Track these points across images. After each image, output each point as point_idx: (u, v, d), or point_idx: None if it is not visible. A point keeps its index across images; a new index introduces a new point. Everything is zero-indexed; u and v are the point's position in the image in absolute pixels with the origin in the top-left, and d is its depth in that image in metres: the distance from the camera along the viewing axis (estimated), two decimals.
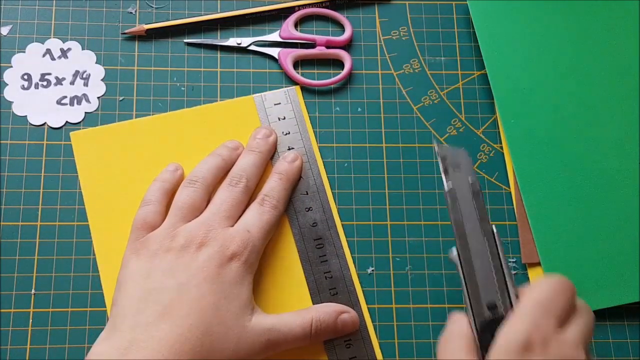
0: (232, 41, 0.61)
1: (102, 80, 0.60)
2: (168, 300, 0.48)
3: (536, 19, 0.63)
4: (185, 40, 0.62)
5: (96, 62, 0.60)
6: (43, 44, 0.60)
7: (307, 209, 0.57)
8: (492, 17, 0.63)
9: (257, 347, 0.49)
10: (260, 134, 0.57)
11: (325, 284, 0.55)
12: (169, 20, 0.62)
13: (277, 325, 0.50)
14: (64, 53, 0.60)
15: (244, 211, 0.54)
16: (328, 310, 0.52)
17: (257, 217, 0.53)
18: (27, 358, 0.53)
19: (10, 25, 0.60)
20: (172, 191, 0.54)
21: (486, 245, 0.47)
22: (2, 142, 0.58)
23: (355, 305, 0.55)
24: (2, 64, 0.59)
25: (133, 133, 0.58)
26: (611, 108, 0.61)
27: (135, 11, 0.62)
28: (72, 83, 0.59)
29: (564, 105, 0.61)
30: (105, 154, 0.57)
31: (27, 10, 0.61)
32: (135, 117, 0.59)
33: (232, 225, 0.52)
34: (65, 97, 0.59)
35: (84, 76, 0.59)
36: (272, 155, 0.57)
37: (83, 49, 0.60)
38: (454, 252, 0.47)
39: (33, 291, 0.55)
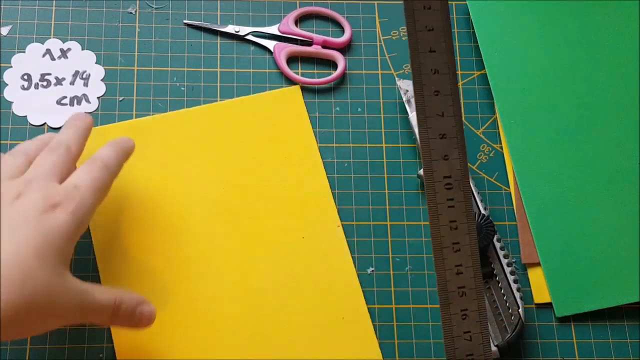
0: (230, 28, 0.62)
1: (102, 80, 0.60)
2: None
3: (536, 19, 0.63)
4: (185, 21, 0.62)
5: (96, 62, 0.60)
6: (43, 44, 0.60)
7: None
8: (492, 17, 0.63)
9: (71, 306, 0.45)
10: (76, 116, 0.53)
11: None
12: (169, 20, 0.62)
13: (91, 291, 0.47)
14: (63, 53, 0.60)
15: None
16: (132, 296, 0.50)
17: (86, 174, 0.49)
18: (27, 358, 0.53)
19: (10, 26, 0.60)
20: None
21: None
22: (2, 142, 0.58)
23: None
24: (2, 64, 0.59)
25: (135, 132, 0.58)
26: (611, 108, 0.61)
27: (135, 11, 0.62)
28: (72, 83, 0.59)
29: (564, 105, 0.61)
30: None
31: (27, 10, 0.61)
32: (135, 118, 0.59)
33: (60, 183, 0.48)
34: (65, 97, 0.59)
35: (84, 76, 0.59)
36: (88, 133, 0.53)
37: (83, 49, 0.60)
38: (420, 172, 0.52)
39: None
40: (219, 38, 0.62)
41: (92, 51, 0.60)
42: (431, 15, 0.43)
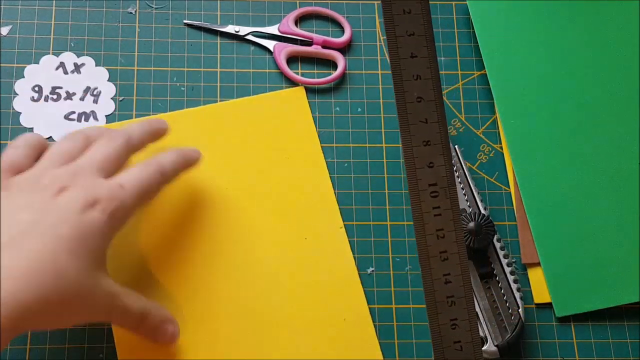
0: (230, 28, 0.62)
1: (111, 98, 0.59)
2: (17, 232, 0.43)
3: (536, 19, 0.63)
4: (185, 21, 0.62)
5: (108, 80, 0.60)
6: (58, 57, 0.60)
7: None
8: (492, 17, 0.63)
9: (98, 306, 0.46)
10: (155, 122, 0.54)
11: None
12: (169, 20, 0.62)
13: (123, 296, 0.47)
14: (77, 68, 0.59)
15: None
16: (160, 311, 0.50)
17: (136, 174, 0.48)
18: (27, 358, 0.53)
19: (10, 26, 0.60)
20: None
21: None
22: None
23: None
24: (14, 75, 0.59)
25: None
26: (611, 108, 0.61)
27: (135, 11, 0.62)
28: (82, 99, 0.59)
29: (564, 105, 0.61)
30: None
31: (27, 10, 0.61)
32: (135, 117, 0.59)
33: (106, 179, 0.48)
34: (74, 112, 0.58)
35: (95, 93, 0.59)
36: (158, 136, 0.54)
37: (97, 65, 0.60)
38: None
39: None
40: (219, 38, 0.62)
41: (106, 67, 0.60)
42: (412, 20, 0.42)
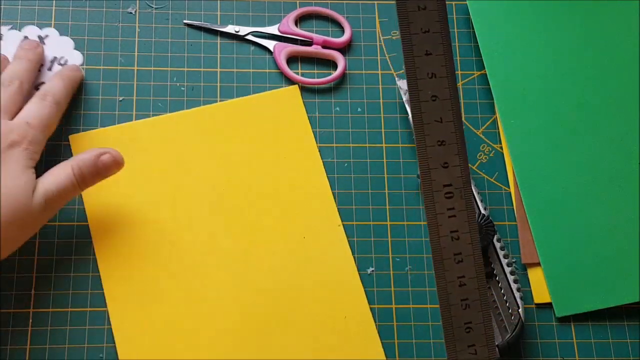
0: (230, 28, 0.62)
1: (80, 66, 0.60)
2: None
3: (536, 19, 0.63)
4: (185, 21, 0.62)
5: (74, 48, 0.60)
6: (20, 30, 0.60)
7: None
8: (492, 17, 0.63)
9: (38, 211, 0.51)
10: (26, 44, 0.58)
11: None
12: (169, 20, 0.62)
13: (47, 186, 0.52)
14: (41, 40, 0.60)
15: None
16: (86, 155, 0.54)
17: (37, 110, 0.54)
18: (27, 358, 0.53)
19: (10, 25, 0.60)
20: None
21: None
22: None
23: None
24: None
25: (135, 134, 0.58)
26: (611, 108, 0.61)
27: (135, 11, 0.62)
28: (49, 69, 0.59)
29: (564, 105, 0.61)
30: None
31: (27, 10, 0.61)
32: (135, 118, 0.59)
33: (11, 120, 0.53)
34: (43, 82, 0.59)
35: (62, 62, 0.59)
36: (40, 65, 0.58)
37: (61, 35, 0.60)
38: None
39: (33, 291, 0.54)
40: (219, 38, 0.62)
41: (70, 37, 0.60)
42: (427, 17, 0.41)
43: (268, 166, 0.58)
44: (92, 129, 0.58)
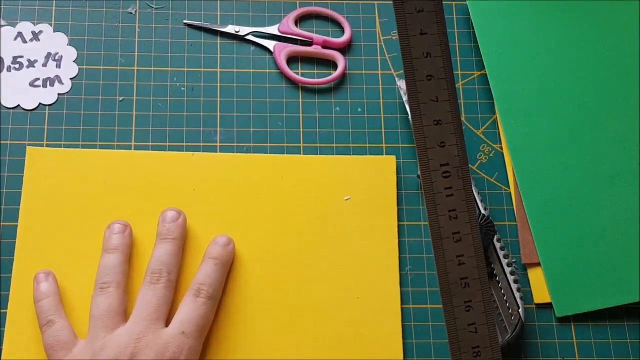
0: (230, 28, 0.62)
1: (74, 61, 0.60)
2: None
3: (536, 19, 0.63)
4: (185, 21, 0.62)
5: (68, 44, 0.60)
6: (14, 27, 0.60)
7: None
8: (492, 17, 0.63)
9: None
10: (168, 217, 0.54)
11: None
12: (169, 20, 0.62)
13: None
14: (35, 36, 0.60)
15: (174, 305, 0.52)
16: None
17: (192, 312, 0.50)
18: None
19: (5, 22, 0.60)
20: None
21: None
22: None
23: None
24: None
25: (96, 163, 0.57)
26: (611, 108, 0.61)
27: (135, 11, 0.62)
28: (44, 65, 0.59)
29: (564, 105, 0.61)
30: (58, 179, 0.56)
31: (27, 10, 0.61)
32: (135, 118, 0.59)
33: (164, 326, 0.50)
34: (38, 79, 0.59)
35: (56, 58, 0.59)
36: (185, 238, 0.55)
37: (54, 31, 0.60)
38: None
39: None
40: (219, 38, 0.62)
41: (64, 33, 0.60)
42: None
43: (341, 227, 0.57)
44: (92, 128, 0.58)
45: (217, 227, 0.56)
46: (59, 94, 0.59)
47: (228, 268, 0.54)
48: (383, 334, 0.54)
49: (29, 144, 0.57)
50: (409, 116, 0.59)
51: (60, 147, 0.58)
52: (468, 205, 0.43)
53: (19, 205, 0.55)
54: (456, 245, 0.43)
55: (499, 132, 0.61)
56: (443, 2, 0.64)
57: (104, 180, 0.56)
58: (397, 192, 0.59)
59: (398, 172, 0.59)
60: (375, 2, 0.64)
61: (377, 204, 0.57)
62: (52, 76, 0.59)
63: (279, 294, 0.55)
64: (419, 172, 0.58)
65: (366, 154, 0.59)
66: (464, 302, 0.43)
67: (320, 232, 0.56)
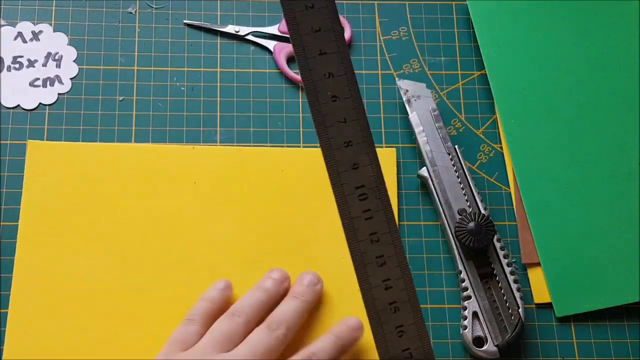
0: (230, 28, 0.62)
1: (74, 61, 0.60)
2: None
3: (536, 19, 0.63)
4: (185, 21, 0.62)
5: (68, 44, 0.60)
6: (14, 27, 0.60)
7: None
8: (492, 17, 0.63)
9: None
10: (306, 279, 0.54)
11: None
12: (169, 20, 0.62)
13: None
14: (35, 35, 0.60)
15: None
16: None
17: (327, 348, 0.50)
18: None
19: (5, 22, 0.60)
20: (218, 312, 0.52)
21: (450, 162, 0.57)
22: None
23: None
24: None
25: (97, 156, 0.57)
26: (611, 108, 0.61)
27: (135, 11, 0.62)
28: (44, 65, 0.59)
29: (564, 105, 0.61)
30: (59, 172, 0.56)
31: (27, 10, 0.61)
32: (135, 118, 0.59)
33: None
34: (38, 79, 0.59)
35: (56, 58, 0.59)
36: (315, 304, 0.54)
37: (54, 31, 0.60)
38: (424, 171, 0.57)
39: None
40: (219, 38, 0.62)
41: (64, 33, 0.61)
42: (316, 15, 0.39)
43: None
44: (92, 128, 0.58)
45: (218, 220, 0.56)
46: (59, 93, 0.59)
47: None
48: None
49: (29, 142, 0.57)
50: (409, 116, 0.59)
51: None
52: (390, 225, 0.41)
53: (20, 205, 0.55)
54: (381, 270, 0.41)
55: (499, 132, 0.61)
56: (443, 2, 0.64)
57: (104, 174, 0.56)
58: (398, 192, 0.59)
59: (398, 172, 0.59)
60: (375, 2, 0.64)
61: None
62: (52, 76, 0.59)
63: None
64: (419, 172, 0.58)
65: None
66: (395, 327, 0.41)
67: (321, 225, 0.56)
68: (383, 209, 0.41)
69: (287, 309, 0.52)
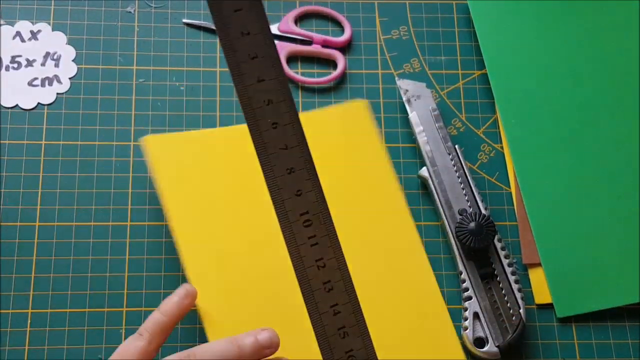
0: None
1: (73, 61, 0.60)
2: None
3: (536, 19, 0.63)
4: (184, 21, 0.62)
5: (67, 44, 0.60)
6: (13, 26, 0.60)
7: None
8: (493, 16, 0.63)
9: None
10: (261, 337, 0.47)
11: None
12: (168, 19, 0.62)
13: None
14: (34, 35, 0.60)
15: None
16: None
17: None
18: (25, 358, 0.53)
19: (4, 21, 0.60)
20: (171, 326, 0.48)
21: (451, 162, 0.57)
22: None
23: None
24: None
25: (212, 142, 0.57)
26: (611, 108, 0.61)
27: (134, 11, 0.62)
28: (42, 64, 0.59)
29: (565, 105, 0.61)
30: (186, 162, 0.55)
31: (26, 10, 0.61)
32: (134, 118, 0.59)
33: None
34: (37, 78, 0.59)
35: (55, 57, 0.59)
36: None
37: (53, 30, 0.60)
38: (424, 171, 0.57)
39: (31, 292, 0.54)
40: (218, 37, 0.62)
41: (62, 32, 0.60)
42: (253, 42, 0.39)
43: (341, 180, 0.56)
44: (92, 128, 0.58)
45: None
46: (57, 93, 0.59)
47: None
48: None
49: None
50: (409, 116, 0.59)
51: (59, 146, 0.57)
52: (335, 251, 0.41)
53: (19, 204, 0.55)
54: (328, 295, 0.41)
55: (499, 132, 0.61)
56: (444, 2, 0.64)
57: (229, 156, 0.55)
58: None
59: (398, 173, 0.59)
60: (375, 1, 0.64)
61: (364, 147, 0.57)
62: (50, 76, 0.59)
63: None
64: (419, 172, 0.58)
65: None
66: (345, 352, 0.41)
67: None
68: (328, 234, 0.41)
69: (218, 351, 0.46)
